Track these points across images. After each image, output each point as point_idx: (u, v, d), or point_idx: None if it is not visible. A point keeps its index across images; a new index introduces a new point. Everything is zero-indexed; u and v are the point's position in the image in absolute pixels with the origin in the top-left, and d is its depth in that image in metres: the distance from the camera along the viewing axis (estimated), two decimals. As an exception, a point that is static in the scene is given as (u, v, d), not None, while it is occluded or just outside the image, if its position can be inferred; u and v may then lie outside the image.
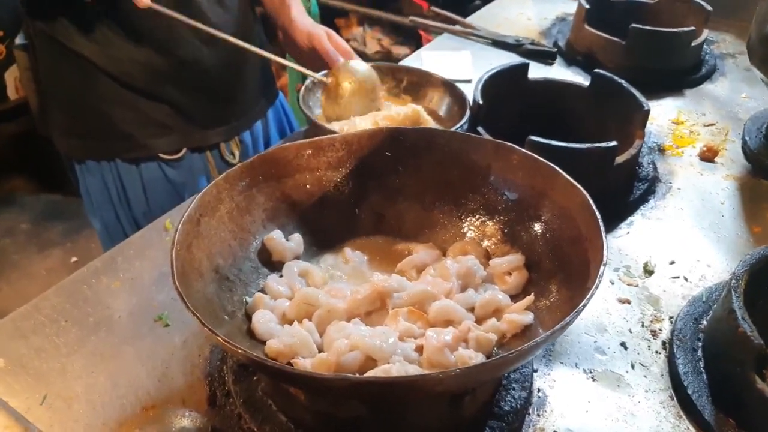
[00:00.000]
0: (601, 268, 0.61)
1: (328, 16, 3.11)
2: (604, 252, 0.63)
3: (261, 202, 0.84)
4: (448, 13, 1.73)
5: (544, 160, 0.79)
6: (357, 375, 0.62)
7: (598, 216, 0.68)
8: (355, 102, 1.20)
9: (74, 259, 2.83)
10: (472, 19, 1.74)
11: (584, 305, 0.57)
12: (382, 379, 0.52)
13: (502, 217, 0.84)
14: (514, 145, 0.83)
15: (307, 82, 1.20)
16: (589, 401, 0.78)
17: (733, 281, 0.78)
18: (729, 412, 0.75)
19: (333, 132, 1.05)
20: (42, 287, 0.92)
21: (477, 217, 0.87)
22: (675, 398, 0.79)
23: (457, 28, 1.69)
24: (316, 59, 1.26)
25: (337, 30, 3.21)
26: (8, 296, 2.61)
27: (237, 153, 1.36)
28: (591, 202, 0.71)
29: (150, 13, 1.09)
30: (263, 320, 0.71)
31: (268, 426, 0.71)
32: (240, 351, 0.54)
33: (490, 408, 0.73)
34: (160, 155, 1.27)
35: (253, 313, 0.73)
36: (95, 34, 1.15)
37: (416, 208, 0.90)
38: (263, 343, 0.71)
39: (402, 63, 1.51)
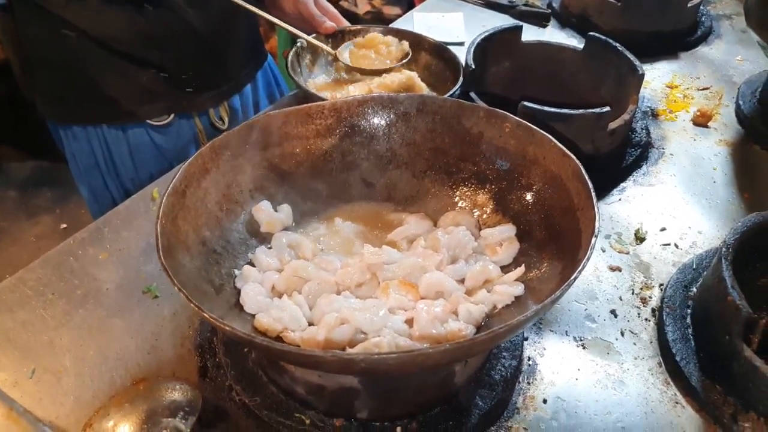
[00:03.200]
0: (593, 239, 0.61)
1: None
2: (596, 223, 0.62)
3: (248, 172, 0.83)
4: (440, -27, 1.68)
5: (537, 128, 0.77)
6: (347, 350, 0.62)
7: (590, 186, 0.67)
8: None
9: (64, 225, 2.81)
10: (464, -21, 1.69)
11: (575, 278, 0.56)
12: (370, 355, 0.52)
13: (493, 186, 0.83)
14: (507, 113, 0.81)
15: (296, 47, 1.17)
16: (579, 369, 0.79)
17: (723, 249, 0.78)
18: (716, 379, 0.76)
19: (322, 98, 1.03)
20: (31, 254, 0.91)
21: (468, 185, 0.86)
22: (663, 365, 0.80)
23: (449, -12, 1.65)
24: (302, 24, 1.23)
25: (327, -10, 3.13)
26: (-2, 263, 2.60)
27: (226, 118, 1.33)
28: (583, 171, 0.69)
29: None
30: (252, 294, 0.70)
31: (259, 397, 0.71)
32: (227, 328, 0.53)
33: (480, 377, 0.73)
34: (148, 121, 1.24)
35: (242, 286, 0.72)
36: None
37: (407, 176, 0.89)
38: (253, 316, 0.70)
39: (393, 25, 1.47)
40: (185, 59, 1.22)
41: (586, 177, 0.69)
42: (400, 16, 1.66)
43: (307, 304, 0.70)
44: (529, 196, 0.79)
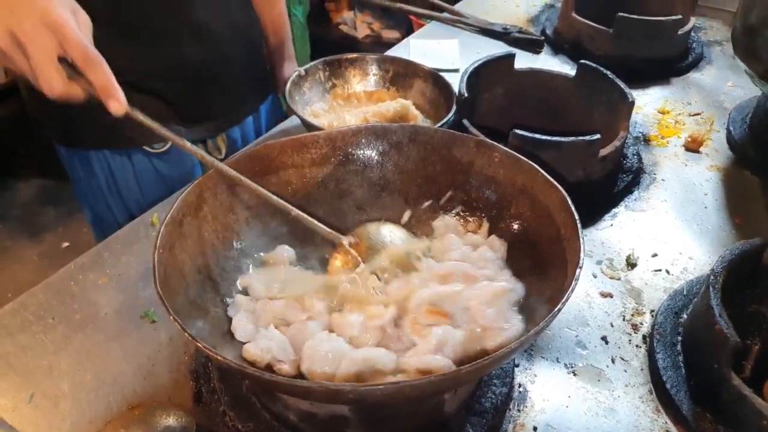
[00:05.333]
0: (577, 270, 0.62)
1: (318, 1, 3.08)
2: (581, 255, 0.64)
3: (245, 200, 0.84)
4: (436, 0, 1.72)
5: (525, 159, 0.79)
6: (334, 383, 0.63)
7: (576, 217, 0.69)
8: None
9: (66, 244, 2.83)
10: (460, 6, 1.73)
11: (558, 310, 0.58)
12: (358, 386, 0.53)
13: (483, 215, 0.85)
14: (496, 143, 0.83)
15: (293, 76, 1.20)
16: (570, 396, 0.80)
17: (712, 277, 0.79)
18: (706, 407, 0.76)
19: (319, 127, 1.05)
20: (33, 273, 0.93)
21: (459, 213, 0.88)
22: (654, 393, 0.80)
23: (445, 15, 1.68)
24: None
25: (328, 14, 3.18)
26: (0, 282, 2.61)
27: (223, 149, 1.35)
28: (569, 202, 0.71)
29: (137, 10, 1.09)
30: (242, 323, 0.71)
31: (252, 423, 0.72)
32: (219, 358, 0.55)
33: (471, 404, 0.74)
34: (146, 148, 1.26)
35: (234, 314, 0.74)
36: None
37: (400, 203, 0.91)
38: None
39: (390, 52, 1.50)
40: (186, 90, 1.24)
41: (573, 208, 0.70)
42: (399, 39, 1.69)
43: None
44: (517, 225, 0.81)
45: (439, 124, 1.08)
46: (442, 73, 1.23)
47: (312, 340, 0.68)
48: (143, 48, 1.17)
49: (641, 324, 0.90)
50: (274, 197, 0.80)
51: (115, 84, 0.77)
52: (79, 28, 0.76)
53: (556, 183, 0.74)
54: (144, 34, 1.16)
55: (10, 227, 2.92)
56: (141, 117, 0.79)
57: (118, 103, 0.77)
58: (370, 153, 0.90)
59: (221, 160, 0.85)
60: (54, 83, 0.74)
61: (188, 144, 0.80)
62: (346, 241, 0.82)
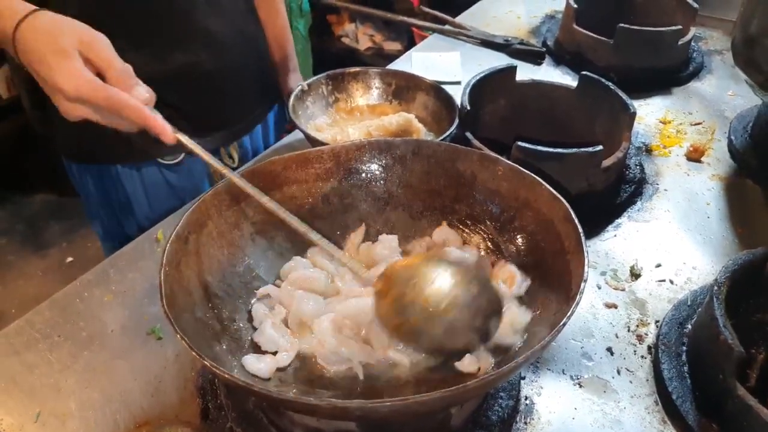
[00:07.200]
0: (582, 284, 0.62)
1: (320, 13, 3.10)
2: (585, 268, 0.64)
3: (250, 216, 0.85)
4: (438, 13, 1.73)
5: (528, 172, 0.79)
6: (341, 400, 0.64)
7: (580, 230, 0.69)
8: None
9: (70, 259, 2.83)
10: (461, 18, 1.74)
11: (564, 323, 0.58)
12: (365, 403, 0.53)
13: (488, 228, 0.86)
14: (499, 156, 0.84)
15: (296, 91, 1.21)
16: (576, 408, 0.80)
17: (715, 288, 0.80)
18: (712, 418, 0.76)
19: (323, 142, 1.06)
20: (37, 288, 0.93)
21: (464, 226, 0.88)
22: (660, 403, 0.80)
23: (447, 27, 1.70)
24: None
25: (330, 27, 3.20)
26: (4, 297, 2.61)
27: (236, 156, 1.36)
28: (573, 215, 0.71)
29: (147, 18, 1.11)
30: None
31: (259, 440, 0.72)
32: (227, 376, 0.55)
33: (477, 418, 0.74)
34: (159, 160, 1.27)
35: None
36: None
37: (404, 217, 0.91)
38: (253, 359, 0.72)
39: (392, 65, 1.51)
40: (196, 100, 1.25)
41: (576, 221, 0.71)
42: (401, 51, 1.71)
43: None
44: (521, 238, 0.81)
45: (442, 137, 1.08)
46: (444, 86, 1.23)
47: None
48: (153, 57, 1.17)
49: (646, 335, 0.90)
50: (282, 211, 0.80)
51: (151, 119, 0.83)
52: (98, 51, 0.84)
53: (559, 195, 0.75)
54: (154, 42, 1.16)
55: (14, 242, 2.93)
56: (190, 145, 0.84)
57: (165, 137, 0.84)
58: (373, 167, 0.90)
59: (234, 169, 0.86)
60: (119, 126, 0.85)
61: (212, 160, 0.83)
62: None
